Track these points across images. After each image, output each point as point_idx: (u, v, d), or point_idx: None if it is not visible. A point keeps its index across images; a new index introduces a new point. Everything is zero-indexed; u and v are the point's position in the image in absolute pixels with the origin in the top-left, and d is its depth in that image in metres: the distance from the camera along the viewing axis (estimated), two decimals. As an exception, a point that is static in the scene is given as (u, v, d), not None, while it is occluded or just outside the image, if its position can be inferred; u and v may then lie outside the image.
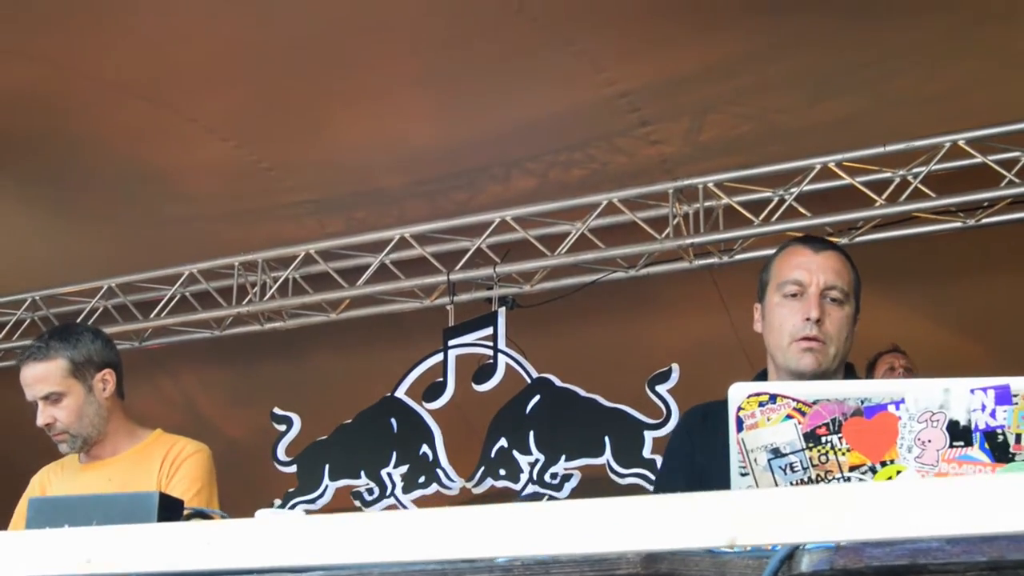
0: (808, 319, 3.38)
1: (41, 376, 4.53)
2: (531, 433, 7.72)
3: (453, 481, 7.88)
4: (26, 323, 9.34)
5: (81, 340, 4.60)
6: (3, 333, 9.39)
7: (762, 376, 3.59)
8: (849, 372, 3.55)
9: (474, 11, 6.40)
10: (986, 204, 6.97)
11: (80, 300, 9.18)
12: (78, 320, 8.95)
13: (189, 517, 2.81)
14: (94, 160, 7.74)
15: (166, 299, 8.89)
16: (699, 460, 3.48)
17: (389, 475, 8.04)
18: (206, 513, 2.83)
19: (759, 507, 1.75)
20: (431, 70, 6.99)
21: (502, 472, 7.75)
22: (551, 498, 7.51)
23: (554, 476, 7.56)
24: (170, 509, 2.77)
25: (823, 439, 2.33)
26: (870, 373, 7.18)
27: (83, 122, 7.38)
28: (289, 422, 8.34)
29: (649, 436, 7.27)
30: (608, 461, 7.41)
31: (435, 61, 6.89)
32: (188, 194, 8.18)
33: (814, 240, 3.63)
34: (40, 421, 4.53)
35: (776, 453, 2.35)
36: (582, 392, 7.65)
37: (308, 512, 8.04)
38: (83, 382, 4.55)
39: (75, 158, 7.73)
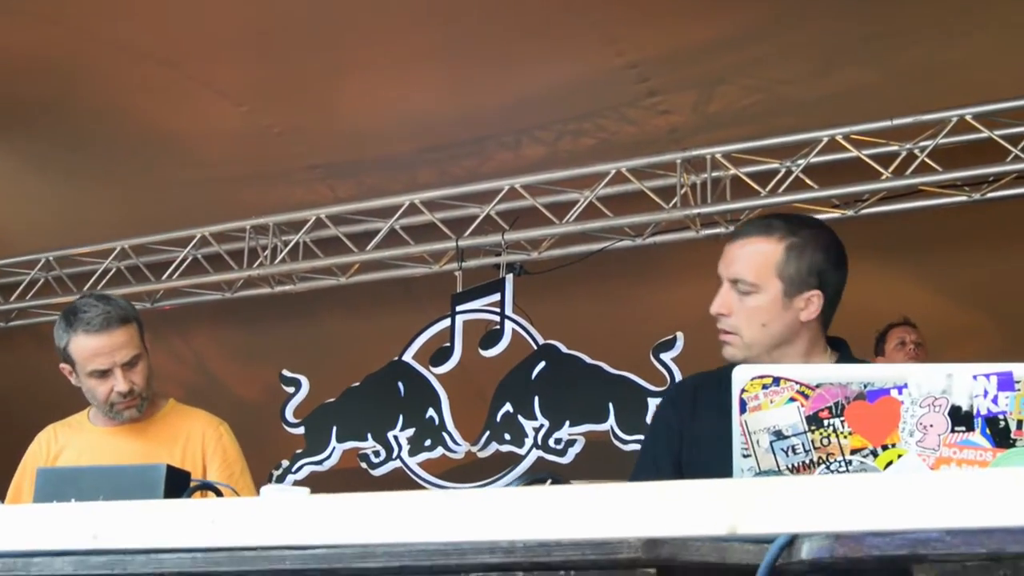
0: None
1: (126, 340, 4.37)
2: (536, 399, 7.75)
3: (459, 445, 7.93)
4: (40, 283, 9.40)
5: (129, 304, 4.56)
6: (17, 292, 9.45)
7: None
8: (842, 348, 3.49)
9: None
10: (992, 179, 6.97)
11: (93, 261, 9.22)
12: (91, 281, 9.01)
13: (195, 488, 2.83)
14: (108, 123, 7.77)
15: (178, 261, 8.93)
16: (688, 433, 3.46)
17: (395, 438, 8.08)
18: (211, 485, 2.85)
19: (760, 496, 1.77)
20: (443, 38, 6.99)
21: (507, 437, 7.78)
22: (555, 463, 7.56)
23: (558, 441, 7.59)
24: (177, 481, 2.79)
25: (825, 422, 2.34)
26: (880, 345, 7.19)
27: (98, 86, 7.40)
28: (298, 384, 8.39)
29: (653, 403, 7.28)
30: (612, 427, 7.44)
31: (447, 29, 6.88)
32: (201, 158, 8.21)
33: (744, 225, 3.59)
34: (122, 387, 4.36)
35: (779, 435, 2.36)
36: (587, 359, 7.68)
37: (315, 473, 8.12)
38: (145, 344, 4.51)
39: (89, 121, 7.75)
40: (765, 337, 3.36)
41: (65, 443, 4.60)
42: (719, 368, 3.47)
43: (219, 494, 2.84)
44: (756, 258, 3.37)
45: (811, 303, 3.35)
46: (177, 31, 6.85)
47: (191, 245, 8.88)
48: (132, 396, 4.40)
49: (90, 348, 4.36)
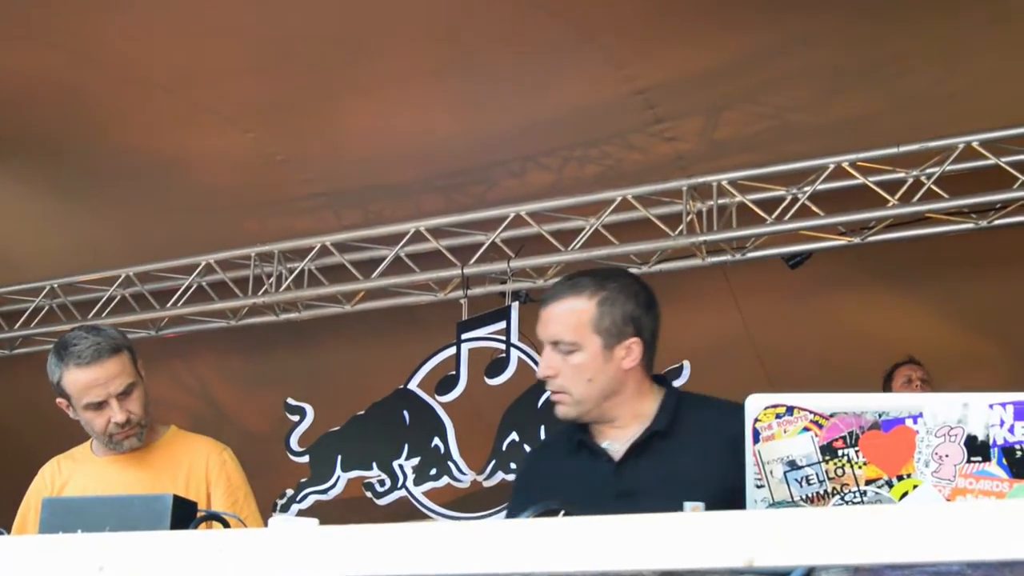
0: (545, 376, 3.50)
1: (119, 370, 4.31)
2: (542, 427, 7.69)
3: (464, 474, 7.88)
4: (44, 310, 9.38)
5: (120, 334, 4.51)
6: (21, 320, 9.41)
7: None
8: (665, 383, 3.60)
9: (493, 5, 6.40)
10: (999, 206, 6.95)
11: (98, 288, 9.20)
12: (95, 309, 8.98)
13: (202, 519, 2.81)
14: (114, 150, 7.76)
15: (183, 288, 8.89)
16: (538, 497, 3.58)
17: (401, 467, 8.04)
18: (219, 515, 2.82)
19: (777, 528, 1.74)
20: (448, 65, 6.98)
21: (513, 465, 7.73)
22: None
23: (565, 471, 7.54)
24: (183, 511, 2.77)
25: (840, 452, 2.32)
26: (887, 385, 7.18)
27: (103, 112, 7.40)
28: (302, 412, 8.35)
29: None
30: (618, 456, 7.39)
31: (452, 56, 6.88)
32: (206, 185, 8.19)
33: (554, 288, 3.64)
34: (119, 418, 4.30)
35: (792, 465, 2.34)
36: (593, 388, 7.62)
37: (320, 502, 8.07)
38: (139, 371, 4.48)
39: (95, 148, 7.75)
40: (594, 391, 3.46)
41: (69, 475, 4.55)
42: (564, 429, 3.61)
43: (226, 525, 2.82)
44: (571, 318, 3.47)
45: (631, 350, 3.47)
46: (183, 58, 6.86)
47: (196, 273, 8.85)
48: (130, 425, 4.35)
49: (83, 381, 4.30)
